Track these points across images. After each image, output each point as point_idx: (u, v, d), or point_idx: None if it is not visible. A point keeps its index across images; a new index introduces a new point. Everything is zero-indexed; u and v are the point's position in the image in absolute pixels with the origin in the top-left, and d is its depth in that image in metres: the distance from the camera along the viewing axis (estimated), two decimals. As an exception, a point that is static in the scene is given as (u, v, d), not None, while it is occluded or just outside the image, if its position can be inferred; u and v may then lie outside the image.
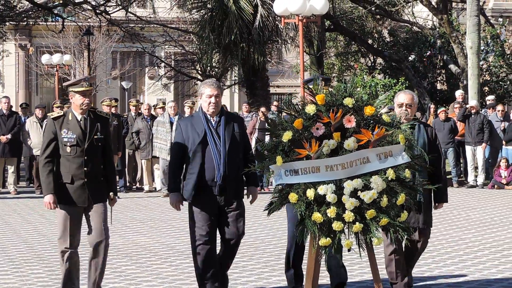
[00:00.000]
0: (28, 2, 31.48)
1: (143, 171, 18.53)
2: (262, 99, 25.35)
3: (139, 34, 35.95)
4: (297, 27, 22.50)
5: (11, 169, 18.22)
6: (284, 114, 7.09)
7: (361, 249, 6.56)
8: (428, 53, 29.33)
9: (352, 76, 30.15)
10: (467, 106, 19.97)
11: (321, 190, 6.41)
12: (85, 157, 7.33)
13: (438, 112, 20.02)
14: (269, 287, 8.39)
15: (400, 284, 7.62)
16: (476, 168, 19.59)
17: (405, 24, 32.35)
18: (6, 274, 9.07)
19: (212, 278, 7.55)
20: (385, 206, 6.45)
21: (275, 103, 24.20)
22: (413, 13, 32.39)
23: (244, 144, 7.63)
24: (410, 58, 29.72)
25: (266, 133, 6.93)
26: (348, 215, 6.40)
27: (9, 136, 18.02)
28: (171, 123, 16.94)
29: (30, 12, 32.52)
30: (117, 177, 16.87)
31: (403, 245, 7.62)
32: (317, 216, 6.41)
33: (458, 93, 22.13)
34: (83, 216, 7.46)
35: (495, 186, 19.05)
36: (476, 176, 19.48)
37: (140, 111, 19.27)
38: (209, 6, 25.42)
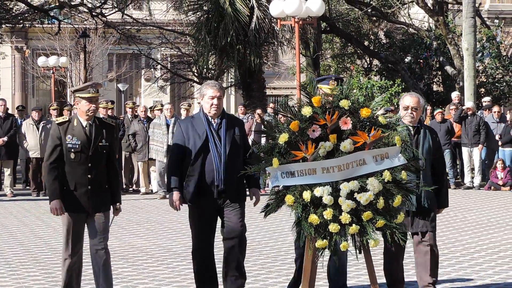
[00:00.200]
0: (24, 5, 31.46)
1: (140, 173, 18.51)
2: (258, 101, 25.32)
3: (135, 36, 35.97)
4: (293, 29, 22.49)
5: (7, 171, 18.20)
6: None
7: (357, 251, 6.56)
8: (424, 55, 29.30)
9: (348, 77, 30.11)
10: (463, 107, 19.98)
11: (318, 192, 6.41)
12: (90, 164, 7.23)
13: (434, 113, 20.02)
14: (266, 289, 8.40)
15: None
16: (472, 169, 19.59)
17: (401, 26, 32.32)
18: (3, 277, 9.05)
19: (210, 280, 7.55)
20: (381, 208, 6.46)
21: (271, 105, 24.10)
22: (409, 15, 32.37)
23: (244, 147, 7.61)
24: (406, 59, 29.68)
25: (262, 135, 6.92)
26: (345, 217, 6.41)
27: (5, 138, 17.97)
28: (168, 125, 16.96)
29: (26, 15, 32.50)
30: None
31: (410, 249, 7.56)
32: (313, 218, 6.41)
33: (454, 95, 22.11)
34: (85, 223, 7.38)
35: (492, 187, 19.06)
36: (472, 178, 19.48)
37: (136, 113, 19.27)
38: (205, 8, 25.38)
